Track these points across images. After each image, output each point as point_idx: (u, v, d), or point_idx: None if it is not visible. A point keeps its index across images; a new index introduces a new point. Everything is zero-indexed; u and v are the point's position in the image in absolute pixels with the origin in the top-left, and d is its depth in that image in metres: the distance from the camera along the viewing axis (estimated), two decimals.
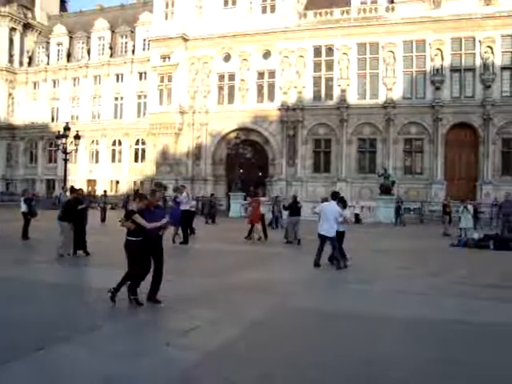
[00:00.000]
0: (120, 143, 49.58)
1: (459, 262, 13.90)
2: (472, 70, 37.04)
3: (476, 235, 18.56)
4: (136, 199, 7.83)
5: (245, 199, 35.14)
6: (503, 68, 36.64)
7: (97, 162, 50.63)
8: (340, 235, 12.20)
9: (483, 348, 6.00)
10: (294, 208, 17.72)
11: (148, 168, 45.51)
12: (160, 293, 7.59)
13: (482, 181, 36.25)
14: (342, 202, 12.44)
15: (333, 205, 12.08)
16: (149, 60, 44.70)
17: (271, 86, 41.20)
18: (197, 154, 43.17)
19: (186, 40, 42.64)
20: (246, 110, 41.22)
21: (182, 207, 16.45)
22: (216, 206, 31.16)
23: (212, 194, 33.70)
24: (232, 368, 5.11)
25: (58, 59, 52.99)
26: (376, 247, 16.84)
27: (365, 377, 4.92)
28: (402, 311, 7.70)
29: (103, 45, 50.64)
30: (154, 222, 7.42)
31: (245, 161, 40.52)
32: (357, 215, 30.44)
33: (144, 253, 7.45)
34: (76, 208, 12.75)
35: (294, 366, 5.16)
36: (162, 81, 43.47)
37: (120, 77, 49.57)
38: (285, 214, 20.28)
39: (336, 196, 12.56)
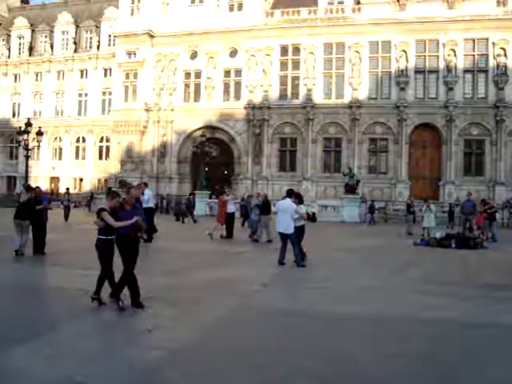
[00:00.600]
0: (84, 140, 48.75)
1: (421, 261, 14.03)
2: (436, 71, 37.67)
3: (438, 234, 18.62)
4: (108, 197, 7.59)
5: (210, 198, 34.98)
6: (465, 71, 37.33)
7: (60, 159, 49.65)
8: (299, 231, 12.15)
9: (441, 344, 6.04)
10: (267, 207, 17.67)
11: (112, 165, 44.78)
12: (122, 291, 7.38)
13: (444, 180, 36.93)
14: (298, 198, 12.49)
15: (287, 202, 12.16)
16: (114, 56, 44.07)
17: (238, 85, 41.10)
18: (162, 151, 42.79)
19: (152, 37, 42.18)
20: (212, 108, 41.01)
21: (145, 205, 16.15)
22: (191, 205, 30.97)
23: (191, 194, 33.58)
24: (193, 366, 5.08)
25: (20, 53, 51.63)
26: (340, 246, 16.87)
27: (323, 375, 4.91)
28: (363, 309, 7.73)
29: (67, 39, 49.59)
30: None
31: (210, 159, 40.06)
32: (313, 214, 30.46)
33: (124, 253, 7.22)
34: (34, 208, 12.33)
35: (257, 365, 5.13)
36: (127, 77, 42.88)
37: (84, 72, 48.69)
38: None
39: (291, 194, 12.62)
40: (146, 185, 18.09)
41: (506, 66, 36.49)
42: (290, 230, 11.79)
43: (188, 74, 42.29)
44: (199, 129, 41.39)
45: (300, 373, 4.97)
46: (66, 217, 25.83)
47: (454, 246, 17.23)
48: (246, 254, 14.74)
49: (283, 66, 40.31)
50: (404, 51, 37.74)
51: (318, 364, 5.20)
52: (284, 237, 11.97)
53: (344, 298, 8.61)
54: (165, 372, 4.97)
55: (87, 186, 46.94)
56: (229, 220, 18.48)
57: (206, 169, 38.61)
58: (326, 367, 5.12)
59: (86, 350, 5.46)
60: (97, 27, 48.47)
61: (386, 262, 13.44)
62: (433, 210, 21.27)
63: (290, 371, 4.99)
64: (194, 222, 27.57)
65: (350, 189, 33.29)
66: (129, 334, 6.25)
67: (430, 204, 21.54)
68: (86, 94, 48.48)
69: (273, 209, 12.75)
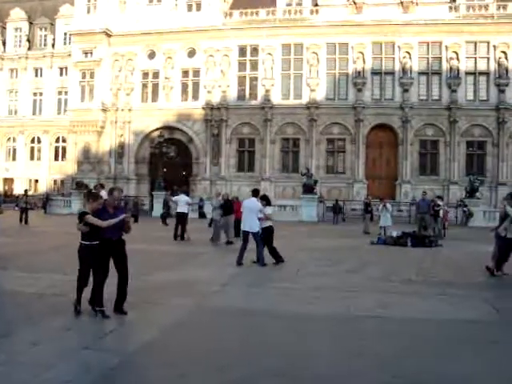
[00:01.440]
0: (39, 140, 47.65)
1: (378, 259, 14.16)
2: (392, 73, 38.32)
3: (395, 233, 18.86)
4: (89, 199, 7.09)
5: None
6: (420, 73, 38.15)
7: (14, 159, 48.40)
8: (267, 232, 12.18)
9: (397, 341, 6.15)
10: (229, 207, 17.52)
11: (69, 166, 43.81)
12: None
13: (401, 180, 37.62)
14: (266, 200, 12.47)
15: (253, 201, 12.14)
16: (70, 55, 43.17)
17: (196, 85, 40.87)
18: (120, 152, 42.18)
19: (109, 36, 41.54)
20: (170, 108, 40.67)
21: None
22: (138, 206, 30.40)
23: (136, 197, 33.15)
24: (152, 369, 5.02)
25: None
26: (299, 246, 16.87)
27: (287, 374, 4.91)
28: (323, 308, 7.77)
29: (20, 36, 48.22)
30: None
31: (168, 160, 39.82)
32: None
33: (102, 258, 6.78)
34: None
35: (219, 366, 5.09)
36: (83, 77, 42.08)
37: (39, 71, 47.52)
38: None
39: (257, 193, 12.62)
40: (102, 186, 17.65)
41: (458, 69, 37.51)
42: (255, 229, 11.80)
43: (146, 74, 41.83)
44: (157, 129, 40.96)
45: (264, 373, 4.93)
46: (24, 219, 24.92)
47: (410, 244, 17.49)
48: (207, 255, 14.58)
49: (241, 66, 40.30)
50: (361, 53, 38.25)
51: (280, 364, 5.18)
52: (247, 236, 11.94)
53: (304, 297, 8.59)
54: (122, 375, 4.89)
55: (43, 188, 45.80)
56: (179, 220, 18.14)
57: (164, 169, 38.30)
58: (289, 367, 5.11)
59: (41, 354, 5.31)
60: (52, 25, 47.34)
61: (344, 261, 13.51)
62: (389, 209, 21.55)
63: (253, 371, 4.95)
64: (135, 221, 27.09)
65: (308, 189, 33.51)
66: (85, 337, 6.07)
67: (387, 203, 21.79)
68: (41, 94, 47.33)
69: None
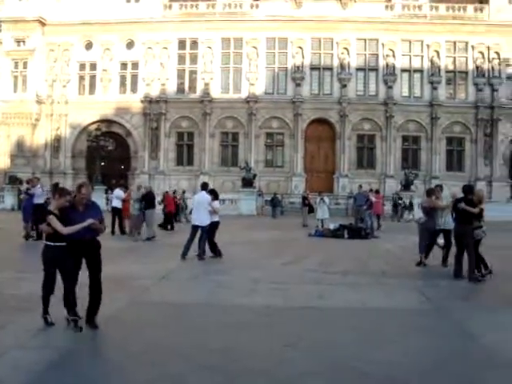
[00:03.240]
0: None
1: (315, 251, 14.40)
2: (330, 69, 38.84)
3: (332, 225, 19.27)
4: (55, 195, 6.27)
5: (106, 193, 33.72)
6: (358, 69, 38.78)
7: None
8: (214, 226, 12.23)
9: (331, 330, 6.30)
10: (151, 200, 17.16)
11: (1, 160, 42.11)
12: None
13: (338, 174, 38.14)
14: (213, 194, 12.53)
15: (202, 195, 12.21)
16: (1, 43, 41.46)
17: (134, 78, 40.15)
18: (56, 146, 40.96)
19: (43, 24, 40.15)
20: (108, 101, 39.73)
21: (36, 201, 15.09)
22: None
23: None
24: (88, 365, 4.92)
25: None
26: (237, 239, 16.86)
27: (222, 366, 4.90)
28: (259, 300, 7.85)
29: None
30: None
31: (106, 153, 39.19)
32: None
33: (71, 261, 6.03)
34: None
35: (154, 361, 5.01)
36: (16, 67, 40.53)
37: None
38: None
39: (205, 186, 12.68)
40: (37, 179, 17.31)
41: (394, 66, 38.38)
42: (206, 223, 11.82)
43: (83, 66, 40.70)
44: (95, 122, 39.99)
45: (197, 367, 4.87)
46: None
47: (346, 236, 17.90)
48: (145, 249, 14.43)
49: (181, 59, 39.87)
50: (300, 48, 38.52)
51: (214, 357, 5.14)
52: (197, 230, 11.93)
53: (241, 290, 8.65)
54: (55, 373, 4.68)
55: None
56: (114, 215, 17.96)
57: (102, 163, 37.54)
58: (223, 360, 5.08)
59: None
60: None
61: (281, 253, 13.67)
62: (326, 202, 21.97)
63: (189, 366, 4.89)
64: None
65: (247, 182, 33.74)
66: (16, 335, 5.75)
67: (324, 196, 22.18)
68: None
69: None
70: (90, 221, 5.91)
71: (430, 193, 12.15)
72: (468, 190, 10.34)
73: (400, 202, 32.79)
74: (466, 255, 9.85)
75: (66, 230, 5.84)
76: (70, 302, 6.00)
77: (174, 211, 23.52)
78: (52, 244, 5.94)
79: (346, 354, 5.31)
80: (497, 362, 5.19)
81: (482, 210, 9.97)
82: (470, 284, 9.53)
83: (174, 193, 27.13)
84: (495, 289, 9.27)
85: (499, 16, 38.06)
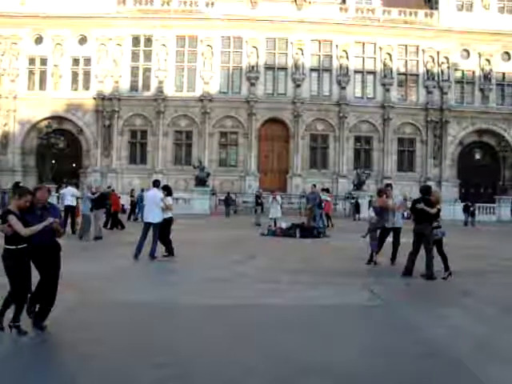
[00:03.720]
0: None
1: (267, 250, 14.48)
2: (284, 69, 39.09)
3: (284, 224, 19.30)
4: (15, 195, 5.91)
5: (57, 191, 32.95)
6: (312, 69, 39.18)
7: None
8: (167, 223, 12.11)
9: (280, 328, 6.30)
10: (102, 200, 17.01)
11: None
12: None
13: (292, 173, 38.37)
14: (167, 190, 12.49)
15: (154, 192, 12.17)
16: None
17: (87, 74, 39.39)
18: (3, 143, 39.75)
19: None
20: (59, 97, 38.85)
21: None
22: None
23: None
24: (33, 365, 4.83)
25: None
26: (189, 238, 16.70)
27: (169, 365, 4.85)
28: (208, 298, 7.83)
29: None
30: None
31: (57, 151, 38.13)
32: None
33: (27, 266, 5.67)
34: None
35: (99, 360, 4.95)
36: None
37: None
38: None
39: (158, 184, 12.61)
40: None
41: (347, 68, 38.94)
42: (158, 220, 11.71)
43: (33, 60, 39.63)
44: (45, 119, 38.90)
45: (148, 366, 4.84)
46: None
47: (298, 235, 17.98)
48: (97, 248, 14.23)
49: (135, 56, 39.37)
50: (255, 48, 38.62)
51: (164, 356, 5.09)
52: (149, 227, 11.83)
53: (192, 288, 8.62)
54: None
55: None
56: (66, 214, 17.24)
57: (53, 161, 36.62)
58: (173, 359, 5.03)
59: None
60: None
61: (234, 252, 13.66)
62: (279, 202, 22.08)
63: (138, 365, 4.85)
64: None
65: (201, 181, 33.59)
66: None
67: (277, 196, 22.32)
68: None
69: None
70: (50, 219, 5.64)
71: (380, 192, 12.32)
72: (426, 190, 10.53)
73: (352, 201, 33.30)
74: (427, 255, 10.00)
75: (25, 231, 5.52)
76: (20, 307, 5.67)
77: (120, 210, 23.13)
78: (13, 247, 5.56)
79: (296, 351, 5.35)
80: (440, 355, 5.34)
81: (439, 210, 10.14)
82: (419, 281, 9.74)
83: (131, 191, 27.51)
84: (443, 286, 9.52)
85: (448, 22, 39.17)
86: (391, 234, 11.94)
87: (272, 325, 6.45)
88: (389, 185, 14.08)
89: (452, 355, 5.32)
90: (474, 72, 40.27)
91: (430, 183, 35.83)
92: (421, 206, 9.86)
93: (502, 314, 7.24)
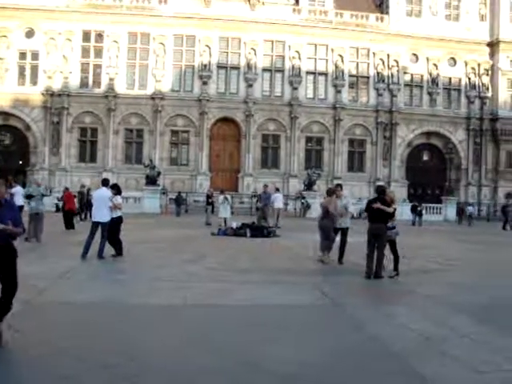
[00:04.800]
0: None
1: (217, 250, 14.39)
2: (237, 68, 39.08)
3: (234, 224, 19.28)
4: None
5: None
6: (264, 69, 39.32)
7: None
8: (117, 221, 11.95)
9: (229, 327, 6.33)
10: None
11: None
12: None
13: (243, 173, 38.44)
14: (116, 189, 12.29)
15: (103, 191, 11.99)
16: None
17: (35, 69, 38.28)
18: None
19: None
20: (4, 92, 37.60)
21: None
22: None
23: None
24: None
25: None
26: (139, 238, 16.48)
27: (120, 366, 4.78)
28: (158, 298, 7.77)
29: None
30: None
31: (3, 148, 37.27)
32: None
33: None
34: None
35: (46, 363, 4.81)
36: None
37: None
38: None
39: (107, 183, 12.44)
40: None
41: (299, 68, 39.20)
42: (106, 219, 11.56)
43: None
44: None
45: (97, 367, 4.72)
46: None
47: (249, 235, 17.99)
48: (43, 248, 13.81)
49: (85, 52, 38.56)
50: (208, 46, 38.46)
51: (115, 357, 4.99)
52: (97, 226, 11.69)
53: (141, 288, 8.52)
54: None
55: None
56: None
57: None
58: (124, 360, 4.93)
59: None
60: None
61: (184, 251, 13.55)
62: (229, 201, 22.23)
63: (85, 366, 4.73)
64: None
65: (151, 180, 33.36)
66: None
67: (227, 195, 22.29)
68: None
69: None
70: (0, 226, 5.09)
71: (329, 192, 12.46)
72: (381, 190, 10.71)
73: (303, 201, 33.65)
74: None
75: None
76: None
77: (75, 209, 22.60)
78: None
79: (245, 351, 5.35)
80: (386, 352, 5.45)
81: (394, 209, 10.30)
82: (368, 280, 9.90)
83: (88, 190, 26.72)
84: (390, 285, 9.72)
85: (398, 27, 40.06)
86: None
87: (223, 324, 6.47)
88: (339, 185, 14.22)
89: (395, 351, 5.43)
90: (422, 76, 41.28)
91: (379, 183, 36.67)
92: (378, 205, 9.94)
93: (446, 312, 7.42)
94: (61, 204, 21.24)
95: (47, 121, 38.01)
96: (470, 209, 35.10)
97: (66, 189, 23.98)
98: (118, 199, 12.24)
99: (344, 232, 11.92)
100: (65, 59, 37.85)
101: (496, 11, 41.38)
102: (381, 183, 36.38)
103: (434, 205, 37.52)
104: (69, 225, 19.75)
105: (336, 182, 38.14)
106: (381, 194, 10.43)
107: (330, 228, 11.89)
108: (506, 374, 4.86)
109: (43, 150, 38.03)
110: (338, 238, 12.04)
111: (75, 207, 22.53)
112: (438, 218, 36.13)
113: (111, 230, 11.82)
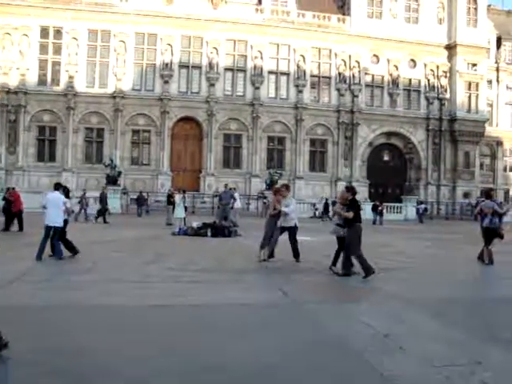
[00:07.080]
0: None
1: (177, 250, 14.30)
2: (199, 67, 38.97)
3: (195, 224, 19.12)
4: None
5: None
6: (226, 69, 39.30)
7: None
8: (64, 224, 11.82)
9: (185, 328, 6.24)
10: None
11: None
12: None
13: (205, 172, 38.33)
14: (65, 193, 12.16)
15: (56, 194, 11.81)
16: None
17: None
18: None
19: None
20: None
21: None
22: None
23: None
24: None
25: None
26: (98, 238, 16.26)
27: (72, 368, 4.65)
28: (115, 299, 7.60)
29: None
30: None
31: None
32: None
33: None
34: None
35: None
36: None
37: None
38: None
39: (59, 186, 12.26)
40: None
41: (262, 68, 39.31)
42: (59, 222, 11.45)
43: None
44: None
45: (49, 370, 4.57)
46: None
47: (210, 234, 17.92)
48: None
49: (43, 49, 37.79)
50: (169, 45, 38.22)
51: (67, 360, 4.86)
52: (50, 230, 11.43)
53: (99, 289, 8.30)
54: None
55: None
56: None
57: None
58: (77, 362, 4.81)
59: None
60: None
61: (143, 252, 13.42)
62: (185, 200, 22.03)
63: (38, 370, 4.56)
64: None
65: (112, 180, 32.97)
66: None
67: (184, 195, 22.09)
68: None
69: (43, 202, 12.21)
70: None
71: (276, 192, 12.57)
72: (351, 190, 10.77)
73: (265, 201, 33.67)
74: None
75: None
76: None
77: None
78: None
79: (202, 351, 5.27)
80: (345, 350, 5.46)
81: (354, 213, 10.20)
82: (329, 279, 9.98)
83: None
84: (351, 283, 9.71)
85: (359, 28, 40.54)
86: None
87: (180, 325, 6.39)
88: (285, 185, 14.27)
89: (354, 349, 5.45)
90: (383, 77, 41.90)
91: (341, 183, 37.17)
92: (336, 208, 10.15)
93: (404, 308, 7.52)
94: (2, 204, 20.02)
95: (3, 118, 37.15)
96: (421, 207, 35.92)
97: (13, 188, 22.88)
98: (68, 203, 12.14)
99: (290, 232, 11.93)
100: (21, 55, 37.04)
101: (453, 15, 42.35)
102: (342, 183, 36.98)
103: (394, 204, 38.14)
104: (20, 226, 19.07)
105: (297, 181, 38.69)
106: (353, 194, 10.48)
107: (268, 226, 12.13)
108: (462, 368, 4.91)
109: None
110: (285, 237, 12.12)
111: (23, 208, 21.74)
112: (399, 217, 36.73)
113: (60, 234, 11.70)
